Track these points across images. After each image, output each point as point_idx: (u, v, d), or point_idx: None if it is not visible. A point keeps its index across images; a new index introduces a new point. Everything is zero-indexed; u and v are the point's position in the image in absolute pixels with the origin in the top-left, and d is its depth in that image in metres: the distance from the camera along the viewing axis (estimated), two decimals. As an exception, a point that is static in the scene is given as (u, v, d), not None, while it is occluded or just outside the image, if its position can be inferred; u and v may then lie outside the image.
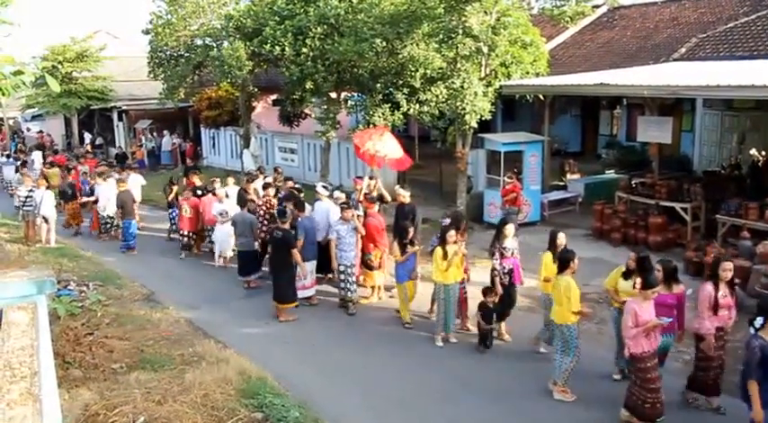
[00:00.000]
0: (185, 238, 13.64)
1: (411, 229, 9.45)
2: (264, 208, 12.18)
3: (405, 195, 10.84)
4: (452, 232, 8.57)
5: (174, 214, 14.86)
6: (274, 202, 12.17)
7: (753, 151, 15.36)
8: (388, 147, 11.60)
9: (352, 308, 10.04)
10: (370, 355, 8.59)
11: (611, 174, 16.98)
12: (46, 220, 14.49)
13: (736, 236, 10.91)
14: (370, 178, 11.98)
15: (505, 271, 8.61)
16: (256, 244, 11.54)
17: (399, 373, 8.03)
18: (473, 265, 10.59)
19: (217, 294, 11.15)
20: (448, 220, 9.31)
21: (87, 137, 32.34)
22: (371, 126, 13.64)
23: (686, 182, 13.17)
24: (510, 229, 8.73)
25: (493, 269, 8.72)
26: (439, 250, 8.54)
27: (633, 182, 14.02)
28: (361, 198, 11.23)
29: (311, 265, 10.50)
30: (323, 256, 10.67)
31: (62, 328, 8.30)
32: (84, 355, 7.88)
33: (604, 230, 12.94)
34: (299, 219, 10.46)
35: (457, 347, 8.71)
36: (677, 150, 16.92)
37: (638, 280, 6.67)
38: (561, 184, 16.74)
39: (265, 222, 11.93)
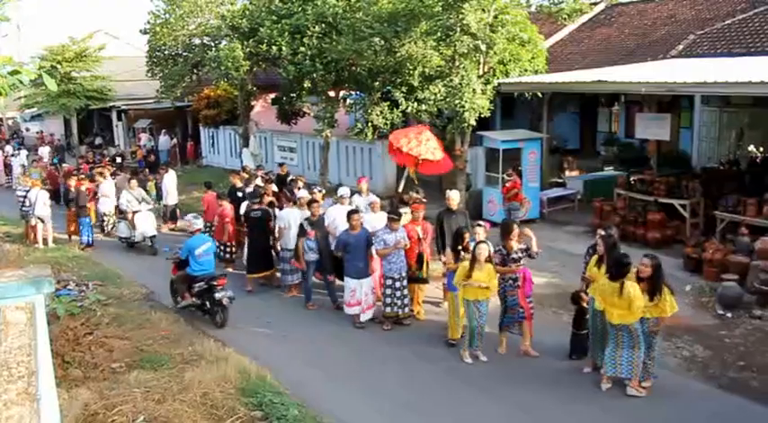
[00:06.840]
0: (230, 250, 12.26)
1: (467, 235, 8.62)
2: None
3: (455, 199, 9.75)
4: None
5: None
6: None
7: (751, 147, 15.36)
8: (425, 147, 10.89)
9: (408, 321, 9.34)
10: (372, 355, 8.54)
11: (609, 171, 16.98)
12: (42, 221, 14.42)
13: (734, 232, 10.92)
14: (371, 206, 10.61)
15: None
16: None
17: (404, 374, 7.89)
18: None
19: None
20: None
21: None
22: (413, 124, 12.82)
23: (685, 178, 13.16)
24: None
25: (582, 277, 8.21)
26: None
27: (632, 179, 14.00)
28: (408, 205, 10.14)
29: (366, 285, 9.33)
30: (338, 263, 9.87)
31: (61, 328, 8.33)
32: (84, 354, 7.92)
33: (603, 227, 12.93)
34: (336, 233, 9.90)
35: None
36: (676, 147, 16.89)
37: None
38: (560, 181, 16.75)
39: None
